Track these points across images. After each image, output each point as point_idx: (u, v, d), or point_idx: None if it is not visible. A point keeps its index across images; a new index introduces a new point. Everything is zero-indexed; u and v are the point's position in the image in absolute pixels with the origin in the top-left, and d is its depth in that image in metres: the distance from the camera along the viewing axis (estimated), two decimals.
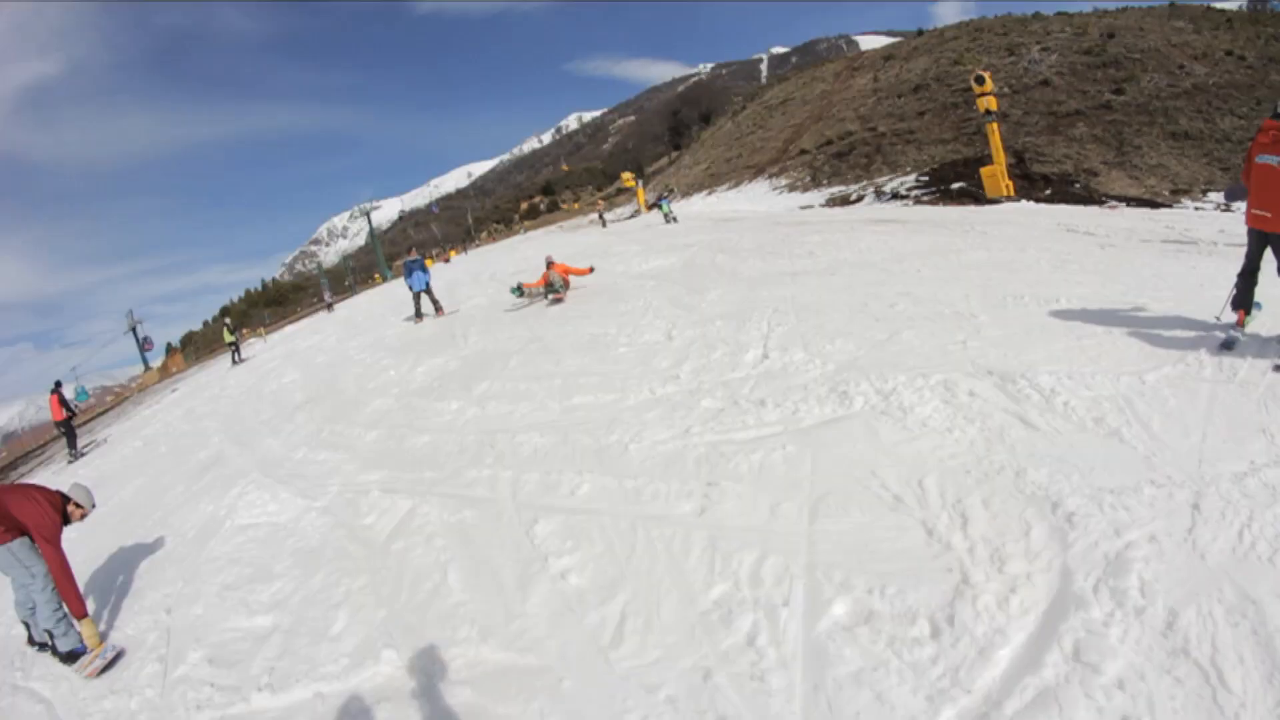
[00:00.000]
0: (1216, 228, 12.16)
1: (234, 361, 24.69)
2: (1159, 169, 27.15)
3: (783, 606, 3.64)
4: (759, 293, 10.55)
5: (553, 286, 14.53)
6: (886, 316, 8.07)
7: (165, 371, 44.94)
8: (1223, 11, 47.75)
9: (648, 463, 5.53)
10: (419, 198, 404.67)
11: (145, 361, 49.18)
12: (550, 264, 15.06)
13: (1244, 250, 6.33)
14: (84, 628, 4.83)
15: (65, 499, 5.16)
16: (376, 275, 68.09)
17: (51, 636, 4.87)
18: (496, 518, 5.21)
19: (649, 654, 3.51)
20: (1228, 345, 5.95)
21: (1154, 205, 19.93)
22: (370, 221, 75.33)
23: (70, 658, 4.80)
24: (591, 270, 15.62)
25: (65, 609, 4.82)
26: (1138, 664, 2.96)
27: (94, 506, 5.39)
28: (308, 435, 9.15)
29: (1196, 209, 19.99)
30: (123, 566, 6.51)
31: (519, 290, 15.54)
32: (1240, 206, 6.71)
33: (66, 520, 5.12)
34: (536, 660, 3.59)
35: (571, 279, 15.23)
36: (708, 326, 9.05)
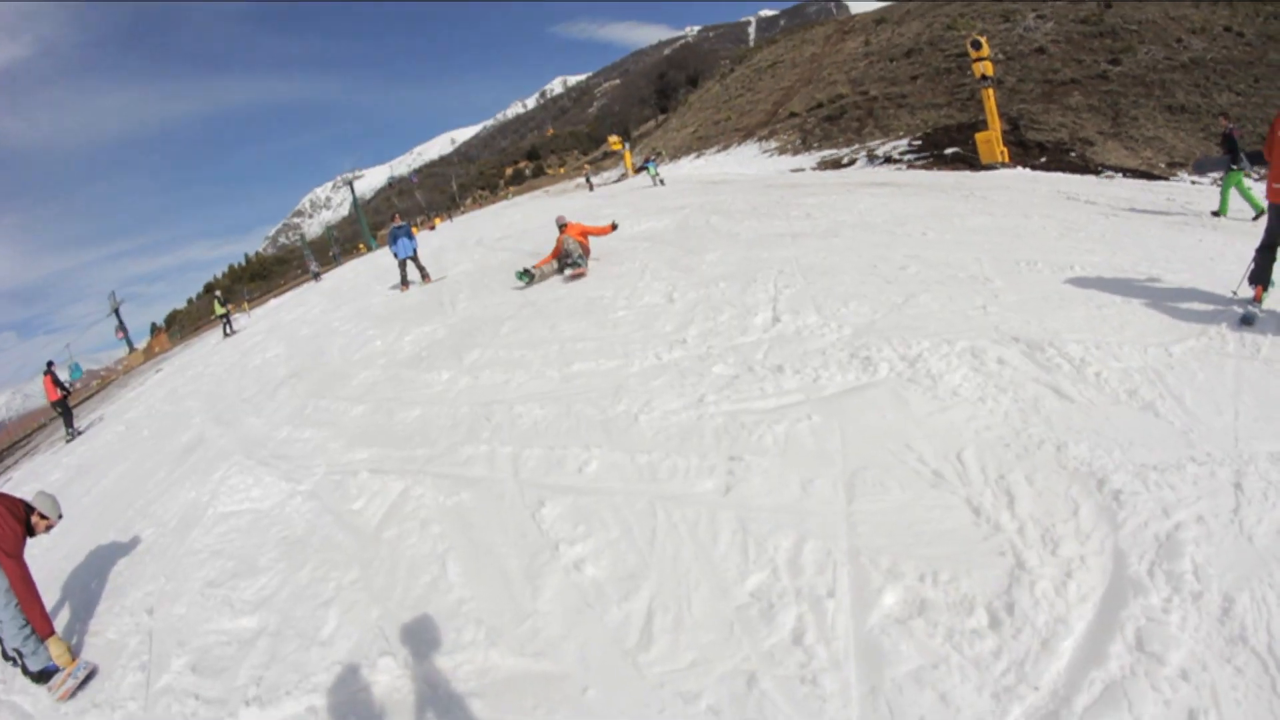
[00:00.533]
0: (1217, 203, 12.09)
1: (225, 334, 24.31)
2: (1155, 141, 27.04)
3: (828, 598, 3.31)
4: (759, 254, 10.21)
5: (570, 258, 11.82)
6: (898, 279, 7.83)
7: (150, 352, 44.31)
8: None
9: (660, 435, 5.14)
10: (403, 165, 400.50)
11: (129, 343, 48.49)
12: (564, 226, 12.47)
13: (1252, 225, 6.20)
14: (52, 647, 4.38)
15: (29, 508, 4.72)
16: (361, 245, 67.15)
17: (20, 655, 4.45)
18: (498, 499, 4.79)
19: (683, 656, 3.13)
20: (1247, 320, 5.96)
21: (1150, 177, 20.03)
22: (353, 191, 74.16)
23: (42, 676, 4.36)
24: (615, 227, 13.06)
25: (31, 627, 4.40)
26: (1199, 653, 2.84)
27: (60, 517, 4.89)
28: (291, 412, 8.72)
29: (1193, 183, 20.03)
30: (102, 562, 6.09)
31: (526, 275, 12.25)
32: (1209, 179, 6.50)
33: (31, 531, 4.67)
34: (554, 666, 3.20)
35: (592, 241, 12.96)
36: (710, 288, 8.67)
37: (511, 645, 3.38)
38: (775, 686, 2.91)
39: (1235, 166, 12.31)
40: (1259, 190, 12.00)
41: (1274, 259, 6.27)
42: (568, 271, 11.78)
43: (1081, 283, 7.06)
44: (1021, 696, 2.75)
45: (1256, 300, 6.23)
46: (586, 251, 12.24)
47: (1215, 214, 12.07)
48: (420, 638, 3.63)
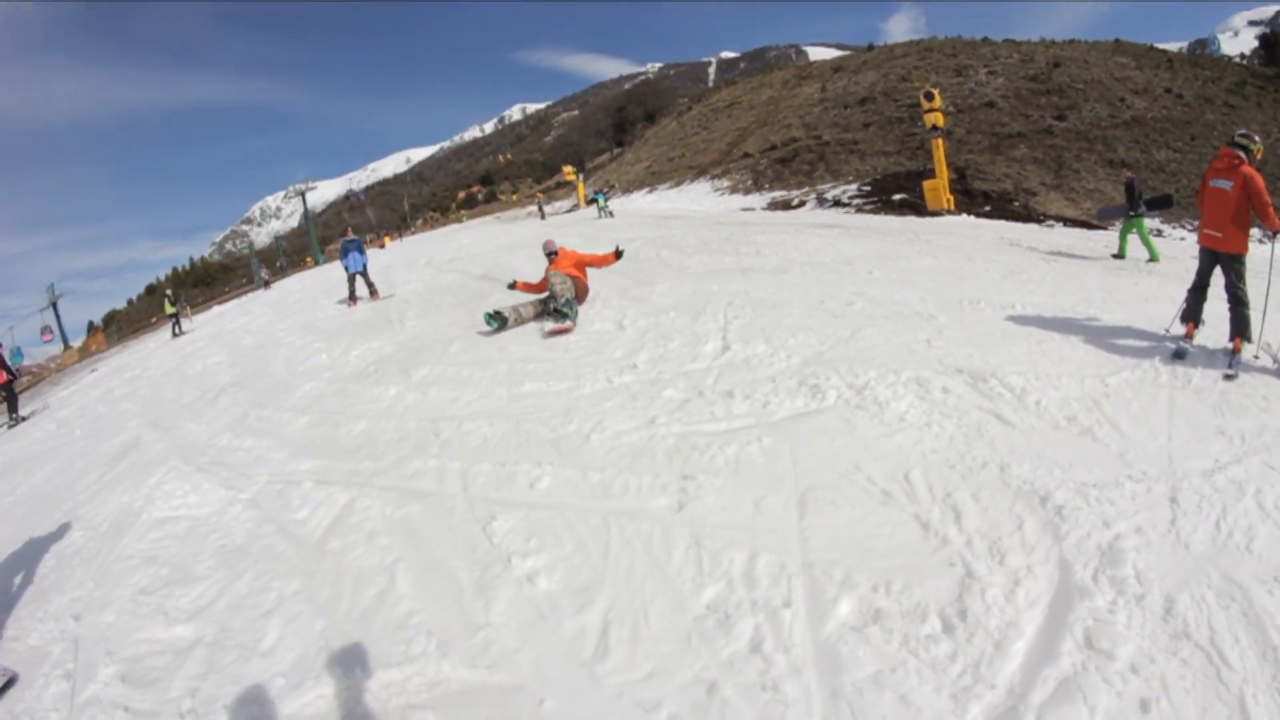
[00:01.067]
0: (1118, 247, 12.76)
1: (174, 334, 23.34)
2: (1095, 193, 28.40)
3: (784, 608, 3.34)
4: (709, 286, 10.34)
5: (556, 301, 9.37)
6: (845, 314, 8.05)
7: (85, 351, 42.45)
8: (1164, 51, 50.93)
9: (613, 454, 5.13)
10: (357, 180, 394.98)
11: (64, 339, 46.50)
12: (553, 255, 10.30)
13: (1192, 269, 6.77)
14: None
15: None
16: (309, 258, 65.73)
17: None
18: (447, 513, 4.68)
19: (641, 667, 3.09)
20: (1179, 355, 6.34)
21: (1090, 226, 21.13)
22: (305, 202, 72.33)
23: None
24: (620, 255, 10.41)
25: None
26: (1146, 648, 3.03)
27: None
28: (232, 420, 8.40)
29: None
30: (26, 564, 5.71)
31: (496, 320, 9.51)
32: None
33: None
34: (509, 678, 3.11)
35: (591, 277, 10.85)
36: (660, 317, 8.74)
37: (464, 657, 3.27)
38: (737, 694, 2.90)
39: (1134, 213, 13.13)
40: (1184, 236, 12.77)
41: (1204, 299, 6.64)
42: (549, 324, 9.22)
43: (1022, 320, 7.40)
44: (979, 695, 2.83)
45: (1188, 337, 6.63)
46: (581, 292, 10.15)
47: (1116, 256, 12.96)
48: (368, 650, 3.49)
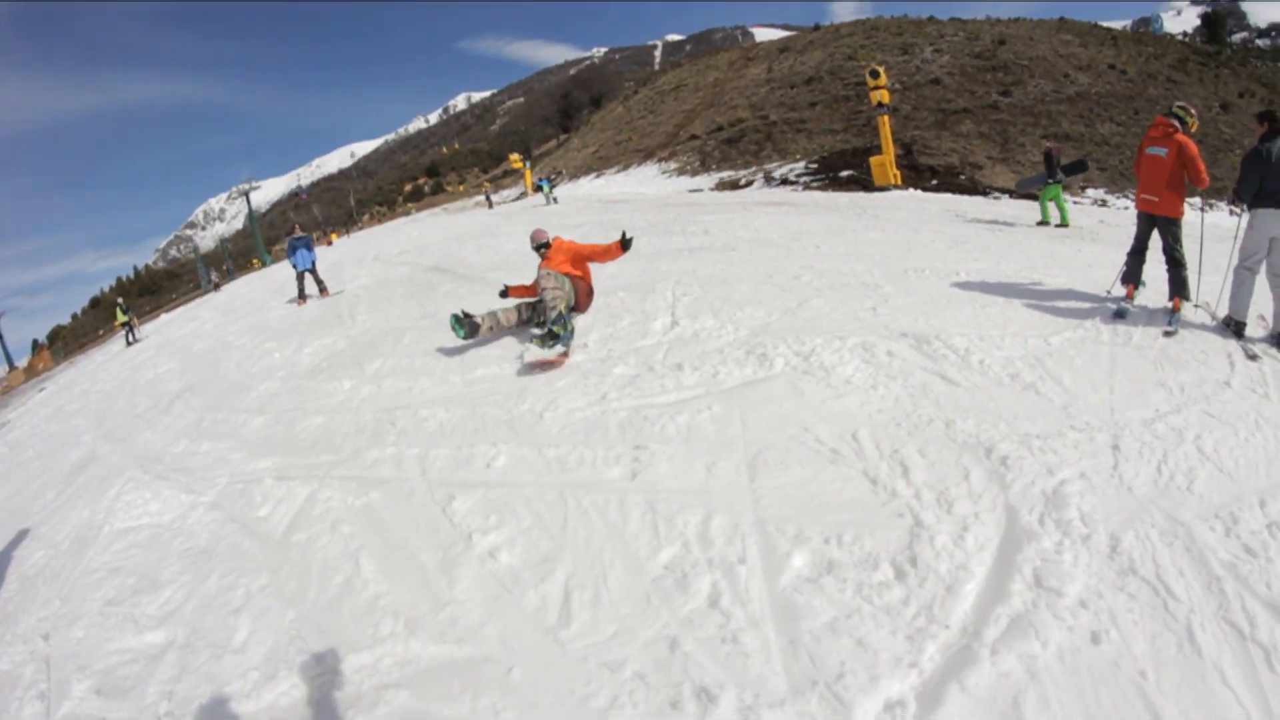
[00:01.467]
0: (1097, 219, 13.31)
1: (129, 342, 22.83)
2: (1040, 165, 28.95)
3: (740, 564, 3.44)
4: (658, 266, 10.39)
5: (547, 312, 7.09)
6: (793, 287, 8.15)
7: (32, 370, 41.08)
8: (1108, 29, 52.11)
9: (566, 430, 5.19)
10: (301, 177, 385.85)
11: (8, 360, 44.94)
12: (545, 248, 8.16)
13: (1133, 233, 7.11)
14: None
15: None
16: (255, 260, 64.20)
17: None
18: (407, 498, 4.70)
19: (604, 629, 3.17)
20: (1120, 315, 6.58)
21: (1035, 198, 21.47)
22: (249, 203, 70.21)
23: None
24: (627, 246, 7.64)
25: None
26: (1094, 585, 3.16)
27: None
28: (188, 426, 8.26)
29: (1075, 203, 21.96)
30: None
31: (464, 326, 7.57)
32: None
33: None
34: (477, 650, 3.15)
35: (594, 274, 8.72)
36: (610, 297, 8.77)
37: (432, 634, 3.31)
38: (698, 648, 2.98)
39: (1052, 180, 13.88)
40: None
41: (1143, 261, 6.93)
42: (532, 350, 6.83)
43: (967, 286, 7.62)
44: (934, 635, 2.93)
45: (1128, 298, 6.91)
46: (583, 297, 8.21)
47: (1040, 223, 13.65)
48: (338, 635, 3.50)
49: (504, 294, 8.64)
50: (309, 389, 8.01)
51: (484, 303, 9.83)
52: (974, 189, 23.18)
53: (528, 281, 8.89)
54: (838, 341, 6.07)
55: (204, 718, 3.33)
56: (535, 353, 6.75)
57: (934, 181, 24.37)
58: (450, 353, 7.83)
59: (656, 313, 7.76)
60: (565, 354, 6.78)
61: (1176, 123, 6.62)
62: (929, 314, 6.65)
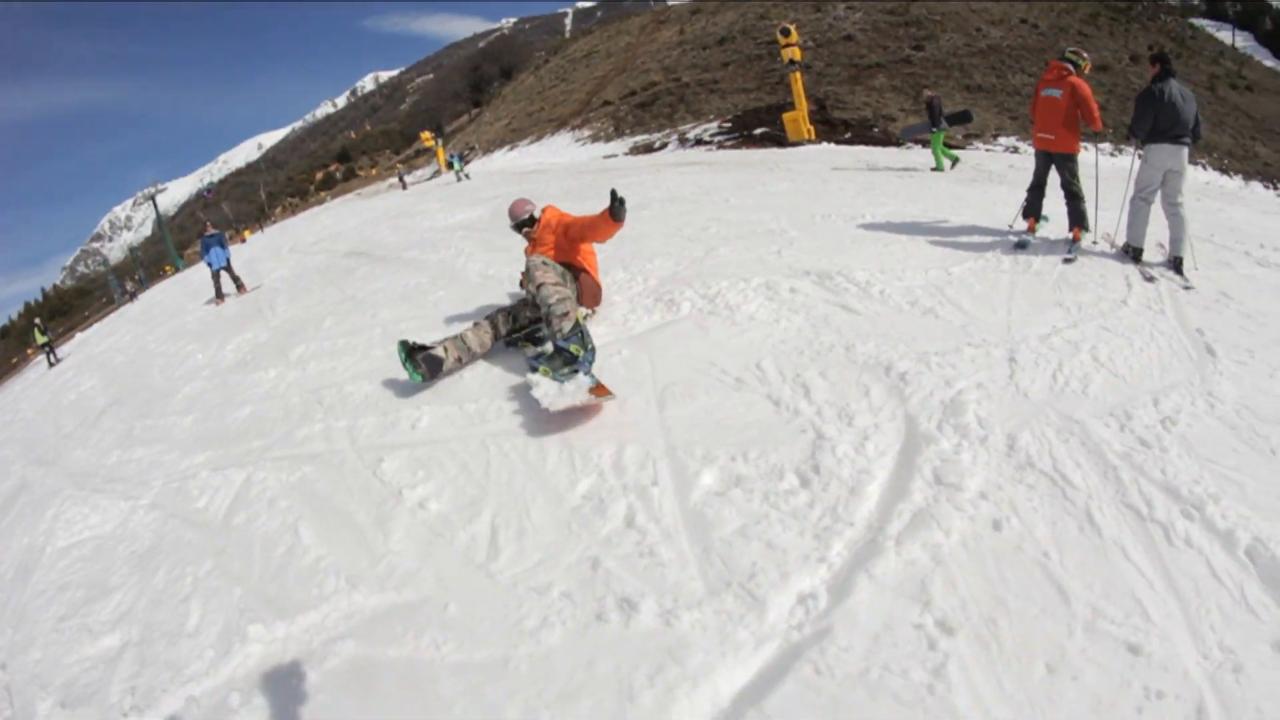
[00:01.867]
0: (1006, 164, 13.78)
1: (50, 363, 21.85)
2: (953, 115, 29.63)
3: (653, 486, 3.65)
4: None
5: (552, 325, 5.03)
6: (701, 238, 8.39)
7: None
8: None
9: (485, 385, 5.33)
10: (211, 174, 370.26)
11: None
12: (532, 226, 6.25)
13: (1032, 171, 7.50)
14: None
15: None
16: (168, 266, 61.70)
17: None
18: (339, 467, 4.80)
19: (530, 558, 3.36)
20: (1021, 246, 7.03)
21: (949, 146, 22.05)
22: (156, 207, 67.36)
23: None
24: (618, 213, 5.31)
25: None
26: (993, 479, 3.40)
27: None
28: (118, 437, 8.11)
29: (987, 150, 22.59)
30: None
31: (417, 365, 5.42)
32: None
33: None
34: (415, 594, 3.32)
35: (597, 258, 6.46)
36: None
37: (372, 586, 3.46)
38: (618, 564, 3.19)
39: (936, 128, 14.56)
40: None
41: (1042, 195, 7.34)
42: (544, 387, 4.59)
43: (872, 228, 7.93)
44: (840, 533, 3.13)
45: (1030, 230, 7.32)
46: (590, 294, 6.05)
47: (935, 169, 14.19)
48: (285, 601, 3.62)
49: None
50: (235, 383, 7.95)
51: (403, 283, 9.84)
52: (887, 140, 23.71)
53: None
54: (742, 283, 6.30)
55: (167, 703, 3.40)
56: (553, 393, 4.46)
57: (847, 135, 24.86)
58: (370, 329, 7.88)
59: None
60: (603, 389, 4.52)
61: (1070, 66, 7.01)
62: (833, 254, 6.88)
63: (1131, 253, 6.63)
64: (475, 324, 5.80)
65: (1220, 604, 2.67)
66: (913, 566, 2.92)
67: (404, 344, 5.46)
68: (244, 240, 45.62)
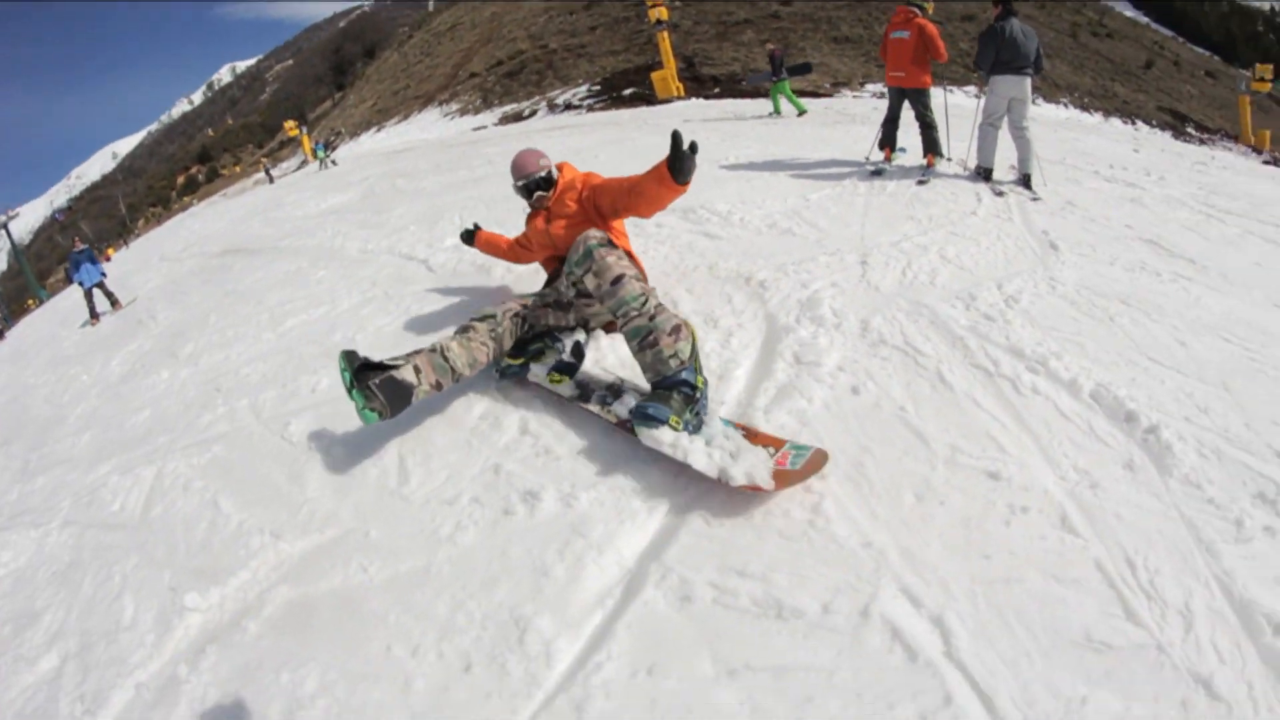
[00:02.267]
0: (870, 107, 14.43)
1: None
2: (822, 67, 30.33)
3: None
4: (445, 199, 10.82)
5: (629, 320, 3.36)
6: None
7: None
8: None
9: (376, 345, 5.47)
10: (66, 190, 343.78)
11: None
12: (548, 190, 4.78)
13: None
14: None
15: None
16: (31, 299, 57.46)
17: None
18: (247, 440, 4.90)
19: (438, 476, 3.62)
20: (877, 173, 7.63)
21: (817, 95, 22.91)
22: (10, 236, 61.44)
23: None
24: (681, 162, 3.72)
25: None
26: (849, 355, 3.87)
27: None
28: (14, 474, 7.68)
29: (854, 96, 23.35)
30: None
31: (370, 396, 3.42)
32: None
33: None
34: (337, 530, 3.52)
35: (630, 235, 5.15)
36: (401, 233, 9.14)
37: (296, 532, 3.64)
38: (518, 466, 3.50)
39: (777, 78, 15.56)
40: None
41: (896, 128, 7.99)
42: (727, 463, 2.89)
43: (735, 168, 8.42)
44: (714, 412, 3.44)
45: (886, 160, 7.93)
46: (634, 272, 3.69)
47: (772, 114, 15.35)
48: (215, 568, 3.74)
49: (469, 237, 5.50)
50: (128, 393, 7.75)
51: (283, 269, 9.83)
52: (755, 93, 24.26)
53: (501, 240, 5.62)
54: None
55: (118, 697, 3.44)
56: (726, 462, 2.93)
57: (716, 90, 25.26)
58: (257, 316, 7.87)
59: (444, 235, 8.21)
60: (819, 457, 2.97)
61: (916, 9, 7.55)
62: (696, 192, 7.15)
63: (982, 173, 7.30)
64: (463, 330, 4.00)
65: (1071, 436, 3.10)
66: (782, 430, 3.32)
67: (348, 357, 3.51)
68: (109, 258, 43.06)
